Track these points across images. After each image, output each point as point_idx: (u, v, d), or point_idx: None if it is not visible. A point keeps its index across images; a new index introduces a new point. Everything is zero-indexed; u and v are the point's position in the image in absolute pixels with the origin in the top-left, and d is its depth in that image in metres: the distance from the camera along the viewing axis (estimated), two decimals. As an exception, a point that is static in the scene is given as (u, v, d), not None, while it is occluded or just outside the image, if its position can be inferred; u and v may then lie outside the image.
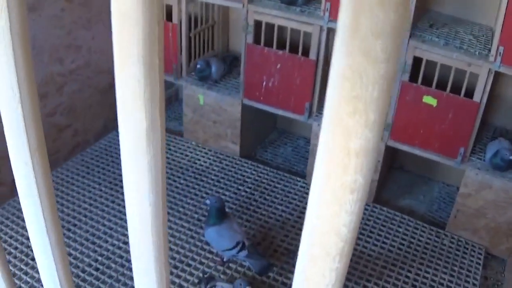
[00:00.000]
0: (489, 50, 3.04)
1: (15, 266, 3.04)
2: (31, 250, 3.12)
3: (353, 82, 0.47)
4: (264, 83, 3.64)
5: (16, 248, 3.15)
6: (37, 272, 3.00)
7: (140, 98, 0.62)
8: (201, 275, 3.04)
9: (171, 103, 4.76)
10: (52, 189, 0.90)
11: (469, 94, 3.16)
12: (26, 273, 2.99)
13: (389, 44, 0.46)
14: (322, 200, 0.54)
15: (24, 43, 0.76)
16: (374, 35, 0.46)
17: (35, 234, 0.93)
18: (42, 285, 2.84)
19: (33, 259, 3.07)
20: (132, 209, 0.73)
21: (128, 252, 3.14)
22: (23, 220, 3.19)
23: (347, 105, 0.49)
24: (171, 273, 3.04)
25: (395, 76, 0.48)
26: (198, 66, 3.85)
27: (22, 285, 2.94)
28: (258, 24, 3.53)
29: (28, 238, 3.08)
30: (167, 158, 3.94)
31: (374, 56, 0.46)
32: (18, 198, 2.95)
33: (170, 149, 4.05)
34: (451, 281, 3.17)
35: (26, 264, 3.05)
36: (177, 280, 3.00)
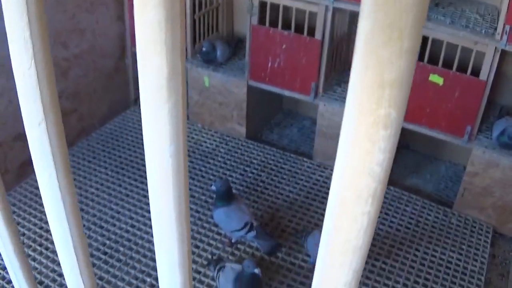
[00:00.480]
0: (495, 29, 3.03)
1: (28, 247, 3.05)
2: (40, 236, 3.14)
3: (386, 10, 0.46)
4: (270, 64, 3.63)
5: (24, 234, 3.15)
6: (48, 257, 3.02)
7: (160, 43, 0.61)
8: (209, 256, 3.04)
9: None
10: (67, 154, 0.88)
11: (476, 73, 3.15)
12: (40, 253, 3.00)
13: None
14: (353, 138, 0.53)
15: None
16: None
17: (52, 207, 0.91)
18: (55, 265, 2.84)
19: (42, 244, 3.08)
20: (151, 162, 0.71)
21: (136, 235, 3.15)
22: (29, 206, 3.20)
23: (381, 34, 0.47)
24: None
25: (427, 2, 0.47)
26: (204, 48, 3.84)
27: (36, 265, 2.95)
28: (263, 5, 3.52)
29: (39, 221, 3.09)
30: (173, 141, 3.93)
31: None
32: (24, 184, 2.95)
33: (175, 132, 4.03)
34: (459, 260, 3.17)
35: (40, 245, 3.06)
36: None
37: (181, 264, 0.84)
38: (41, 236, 3.12)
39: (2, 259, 1.27)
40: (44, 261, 2.97)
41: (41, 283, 2.87)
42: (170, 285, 0.89)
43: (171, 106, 0.64)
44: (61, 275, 2.84)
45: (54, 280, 2.87)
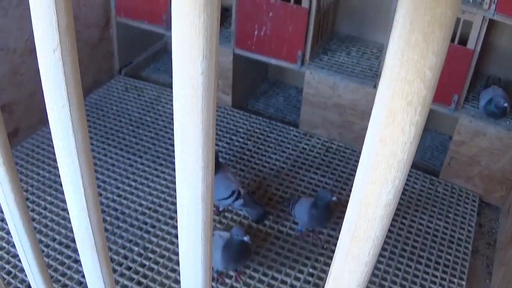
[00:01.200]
0: (483, -1, 3.02)
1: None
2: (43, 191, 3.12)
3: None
4: (256, 32, 3.60)
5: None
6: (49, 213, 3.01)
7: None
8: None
9: (161, 56, 4.72)
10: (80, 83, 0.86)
11: (463, 42, 3.15)
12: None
13: None
14: (406, 39, 0.51)
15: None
16: None
17: (63, 142, 0.89)
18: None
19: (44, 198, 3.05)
20: (180, 78, 0.68)
21: (122, 204, 3.14)
22: (37, 160, 3.19)
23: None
24: (167, 224, 3.04)
25: None
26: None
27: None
28: (250, -28, 3.48)
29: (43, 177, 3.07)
30: (158, 110, 3.92)
31: None
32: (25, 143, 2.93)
33: (161, 101, 4.02)
34: (446, 228, 3.18)
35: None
36: (173, 231, 2.99)
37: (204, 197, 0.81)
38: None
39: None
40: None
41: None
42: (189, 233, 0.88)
43: (207, 18, 0.60)
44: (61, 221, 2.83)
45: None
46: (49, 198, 3.14)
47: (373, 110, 0.56)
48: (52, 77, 0.80)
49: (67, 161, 0.90)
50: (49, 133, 0.88)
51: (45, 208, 3.07)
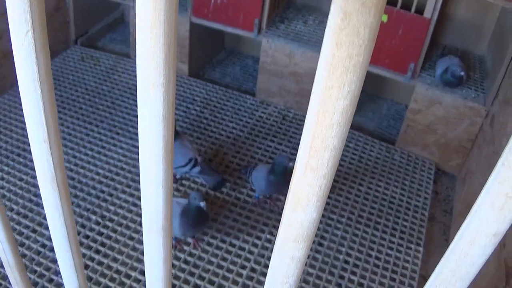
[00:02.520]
0: (439, -33, 3.04)
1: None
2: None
3: None
4: (213, 1, 3.58)
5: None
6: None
7: None
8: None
9: (117, 26, 4.68)
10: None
11: (420, 11, 3.16)
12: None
13: None
14: None
15: None
16: None
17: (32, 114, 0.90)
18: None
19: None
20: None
21: (79, 173, 3.11)
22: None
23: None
24: (124, 192, 3.02)
25: None
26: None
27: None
28: None
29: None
30: (115, 80, 3.89)
31: None
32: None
33: (117, 71, 3.99)
34: (402, 195, 3.22)
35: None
36: (130, 199, 2.98)
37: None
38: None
39: None
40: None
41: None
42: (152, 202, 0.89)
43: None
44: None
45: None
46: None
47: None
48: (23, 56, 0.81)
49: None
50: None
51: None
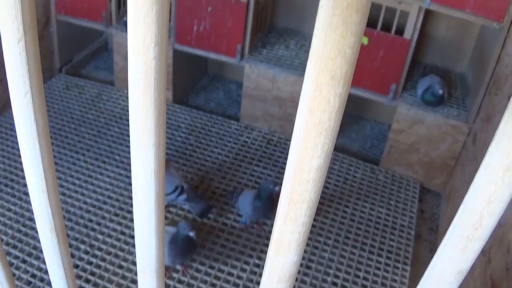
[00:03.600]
0: (419, -12, 3.09)
1: None
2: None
3: None
4: (195, 27, 3.62)
5: None
6: None
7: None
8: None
9: (101, 53, 4.70)
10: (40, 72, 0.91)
11: (400, 32, 3.21)
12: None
13: None
14: (330, 24, 0.58)
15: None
16: None
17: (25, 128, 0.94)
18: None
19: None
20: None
21: (66, 203, 3.12)
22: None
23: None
24: (112, 221, 3.04)
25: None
26: (125, 19, 3.81)
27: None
28: (188, -34, 3.50)
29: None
30: (100, 108, 3.91)
31: None
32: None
33: (102, 99, 4.00)
34: (388, 215, 3.25)
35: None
36: (118, 227, 2.99)
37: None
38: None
39: None
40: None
41: None
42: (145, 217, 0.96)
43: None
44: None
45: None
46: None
47: (303, 85, 0.62)
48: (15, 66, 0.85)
49: (29, 145, 0.94)
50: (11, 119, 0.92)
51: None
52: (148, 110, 0.76)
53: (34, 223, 2.77)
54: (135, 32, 0.69)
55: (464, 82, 3.71)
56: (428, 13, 3.25)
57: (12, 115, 2.81)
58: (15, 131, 2.87)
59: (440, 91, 3.27)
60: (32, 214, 2.94)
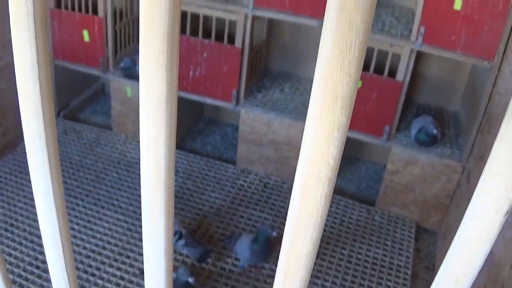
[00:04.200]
0: (410, 31, 3.14)
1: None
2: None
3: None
4: (191, 73, 3.66)
5: None
6: None
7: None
8: (141, 266, 3.05)
9: (98, 98, 4.75)
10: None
11: (392, 73, 3.26)
12: None
13: None
14: (315, 141, 0.65)
15: None
16: None
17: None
18: None
19: None
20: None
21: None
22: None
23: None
24: (111, 266, 3.06)
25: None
26: (122, 64, 3.87)
27: None
28: (183, 14, 3.54)
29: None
30: (98, 152, 3.95)
31: None
32: None
33: (100, 143, 4.04)
34: (385, 255, 3.27)
35: None
36: (118, 273, 3.01)
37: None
38: None
39: None
40: None
41: None
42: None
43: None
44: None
45: None
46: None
47: (294, 183, 0.67)
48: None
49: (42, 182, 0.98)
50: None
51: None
52: (160, 202, 0.81)
53: (35, 267, 2.80)
54: (146, 74, 0.76)
55: (457, 120, 3.76)
56: (419, 54, 3.29)
57: (11, 160, 2.86)
58: (14, 176, 2.92)
59: (434, 131, 3.32)
60: (33, 258, 2.99)
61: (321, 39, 0.62)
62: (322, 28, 0.61)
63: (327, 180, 0.66)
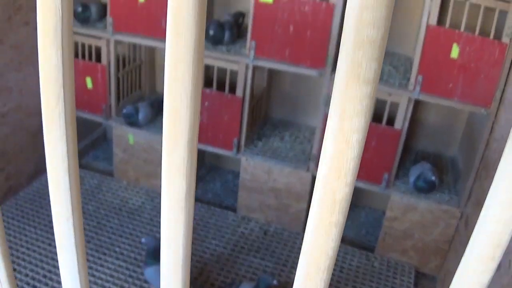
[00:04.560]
0: (408, 79, 3.20)
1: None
2: None
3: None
4: (193, 121, 3.70)
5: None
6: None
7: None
8: (142, 313, 3.08)
9: (100, 144, 4.79)
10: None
11: (391, 121, 3.31)
12: None
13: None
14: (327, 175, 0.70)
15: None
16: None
17: None
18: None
19: None
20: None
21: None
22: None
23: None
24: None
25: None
26: (125, 111, 3.91)
27: None
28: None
29: None
30: (99, 199, 3.97)
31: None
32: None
33: (102, 190, 4.07)
34: (384, 302, 3.29)
35: None
36: (119, 320, 3.03)
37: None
38: None
39: None
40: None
41: None
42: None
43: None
44: None
45: None
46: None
47: (306, 228, 0.71)
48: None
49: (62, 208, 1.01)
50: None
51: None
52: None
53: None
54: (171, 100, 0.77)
55: (455, 166, 3.80)
56: (418, 102, 3.34)
57: (14, 205, 2.88)
58: (17, 220, 2.94)
59: (432, 178, 3.35)
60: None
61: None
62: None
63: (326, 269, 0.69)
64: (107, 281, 3.27)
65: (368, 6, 0.58)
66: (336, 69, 0.64)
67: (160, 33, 3.59)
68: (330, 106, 0.66)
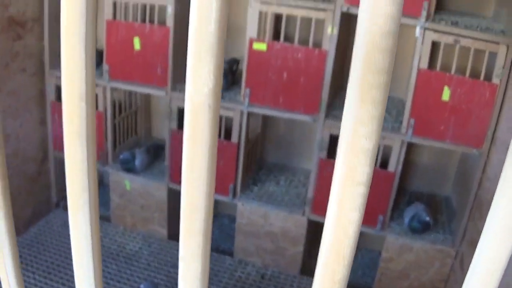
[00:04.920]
0: (401, 122, 3.24)
1: None
2: None
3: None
4: (189, 167, 3.71)
5: None
6: None
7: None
8: None
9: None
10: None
11: (384, 164, 3.36)
12: None
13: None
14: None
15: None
16: None
17: None
18: None
19: None
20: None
21: None
22: None
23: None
24: None
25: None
26: (121, 157, 3.95)
27: None
28: (181, 111, 3.64)
29: None
30: (97, 244, 3.97)
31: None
32: None
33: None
34: None
35: None
36: None
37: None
38: None
39: None
40: None
41: None
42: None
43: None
44: None
45: None
46: None
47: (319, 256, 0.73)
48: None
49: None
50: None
51: None
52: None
53: None
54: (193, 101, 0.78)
55: (449, 205, 3.84)
56: (410, 144, 3.38)
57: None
58: (21, 258, 2.91)
59: (426, 219, 3.39)
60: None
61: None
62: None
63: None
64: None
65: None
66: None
67: (155, 80, 3.63)
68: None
